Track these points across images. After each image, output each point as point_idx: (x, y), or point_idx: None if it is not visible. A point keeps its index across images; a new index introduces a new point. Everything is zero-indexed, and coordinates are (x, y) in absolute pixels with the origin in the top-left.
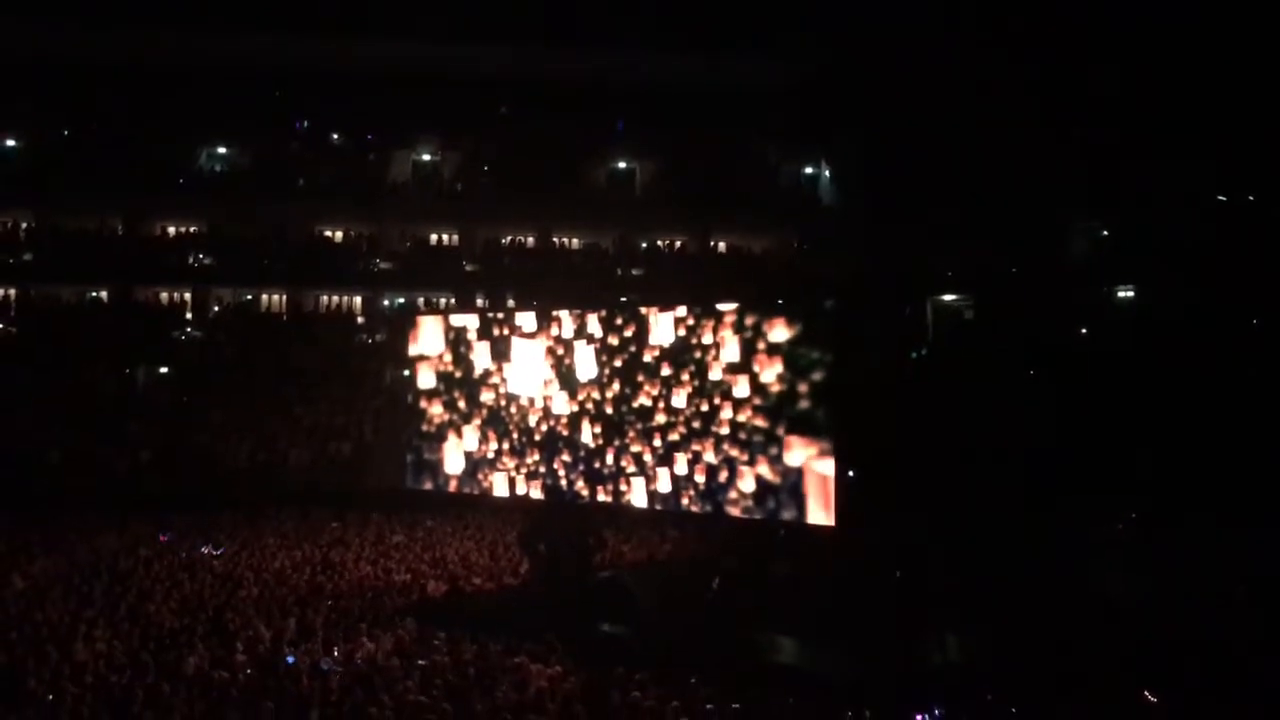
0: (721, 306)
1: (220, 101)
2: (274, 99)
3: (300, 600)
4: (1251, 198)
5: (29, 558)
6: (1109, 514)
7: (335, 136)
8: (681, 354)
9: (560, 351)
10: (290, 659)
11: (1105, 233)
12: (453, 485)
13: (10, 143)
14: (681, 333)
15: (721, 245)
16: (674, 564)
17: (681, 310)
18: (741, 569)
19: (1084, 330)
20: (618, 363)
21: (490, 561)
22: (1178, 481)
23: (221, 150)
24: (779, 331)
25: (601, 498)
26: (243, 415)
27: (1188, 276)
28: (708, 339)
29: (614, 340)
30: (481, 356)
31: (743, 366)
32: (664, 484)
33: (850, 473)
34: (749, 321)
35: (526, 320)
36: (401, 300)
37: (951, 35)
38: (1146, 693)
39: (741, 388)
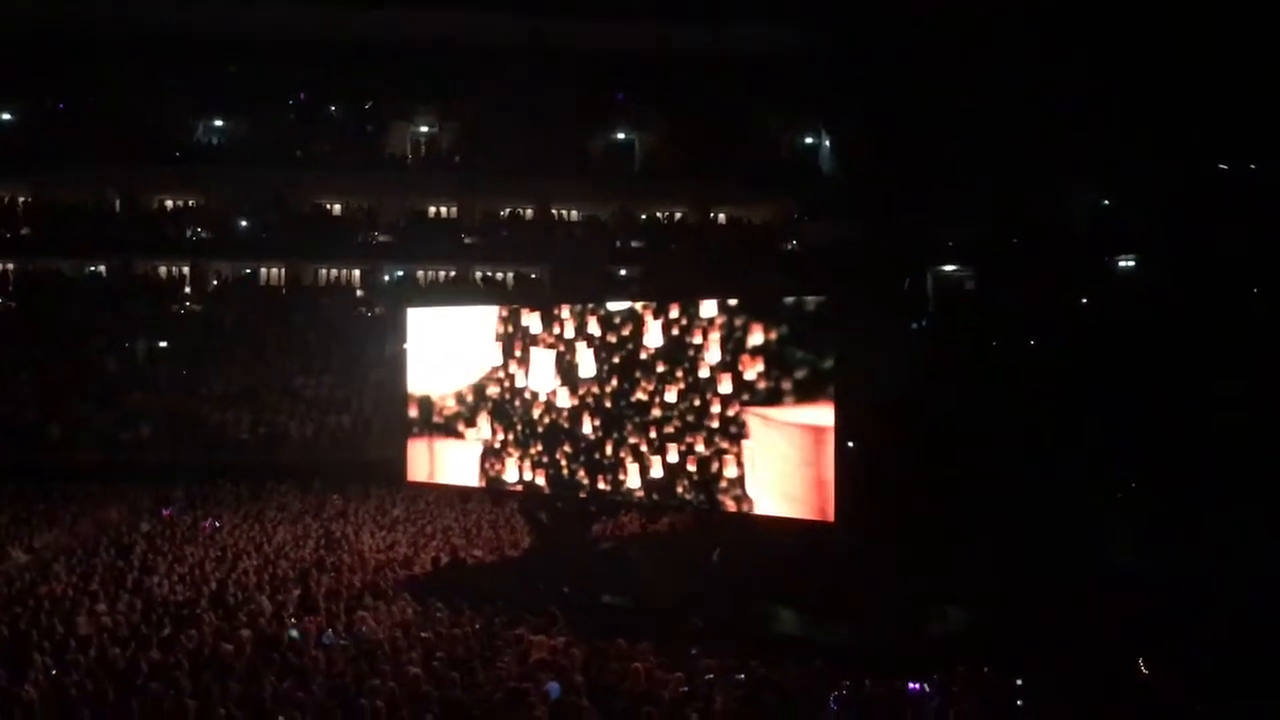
0: (705, 314)
1: (218, 74)
2: (272, 71)
3: (302, 573)
4: (1253, 166)
5: (31, 531)
6: (1110, 483)
7: (333, 108)
8: (674, 352)
9: (562, 349)
10: (293, 632)
11: (1106, 202)
12: (466, 478)
13: (6, 116)
14: (675, 332)
15: (721, 216)
16: (675, 535)
17: (674, 312)
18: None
19: (1085, 300)
20: (616, 359)
21: (491, 533)
22: (1179, 451)
23: (219, 123)
24: (757, 336)
25: (601, 486)
26: (243, 388)
27: (1189, 246)
28: (697, 339)
29: (612, 339)
30: (488, 351)
31: (727, 366)
32: (658, 470)
33: (850, 443)
34: (737, 322)
35: (533, 321)
36: (400, 273)
37: (952, 3)
38: (1140, 663)
39: (725, 385)
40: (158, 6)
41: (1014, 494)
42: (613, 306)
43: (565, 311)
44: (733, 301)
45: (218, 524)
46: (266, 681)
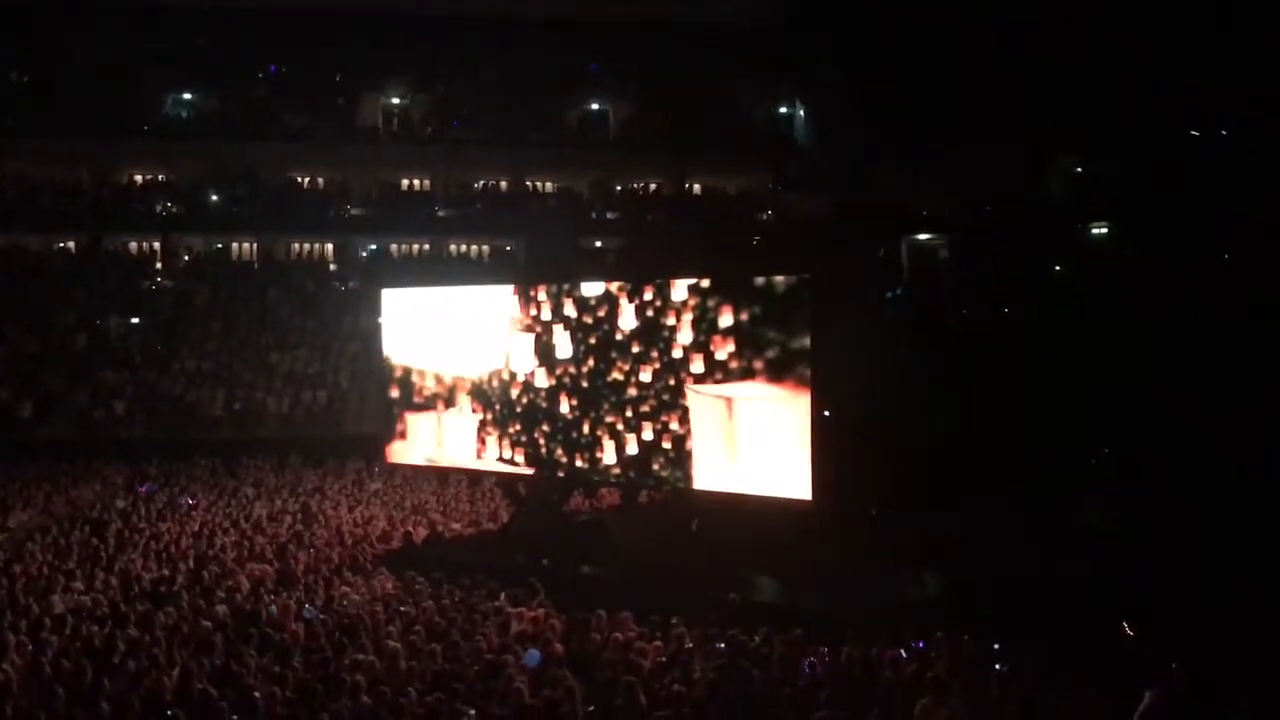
0: (677, 296)
1: (187, 47)
2: (241, 43)
3: (280, 549)
4: (1224, 132)
5: (5, 510)
6: (1086, 449)
7: (304, 81)
8: (648, 334)
9: (539, 331)
10: (271, 608)
11: (1079, 170)
12: (449, 458)
13: None
14: (649, 314)
15: (697, 187)
16: (653, 507)
17: (648, 294)
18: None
19: (1058, 268)
20: (592, 340)
21: (469, 507)
22: (1152, 417)
23: (188, 96)
24: (726, 317)
25: (579, 464)
26: (217, 364)
27: (1162, 214)
28: (670, 321)
29: (588, 320)
30: (466, 332)
31: (699, 346)
32: (633, 448)
33: (825, 412)
34: (709, 304)
35: (510, 303)
36: (374, 246)
37: None
38: (1125, 625)
39: (698, 364)
40: None
41: (991, 460)
42: (588, 290)
43: (542, 294)
44: (705, 283)
45: (192, 501)
46: (245, 657)
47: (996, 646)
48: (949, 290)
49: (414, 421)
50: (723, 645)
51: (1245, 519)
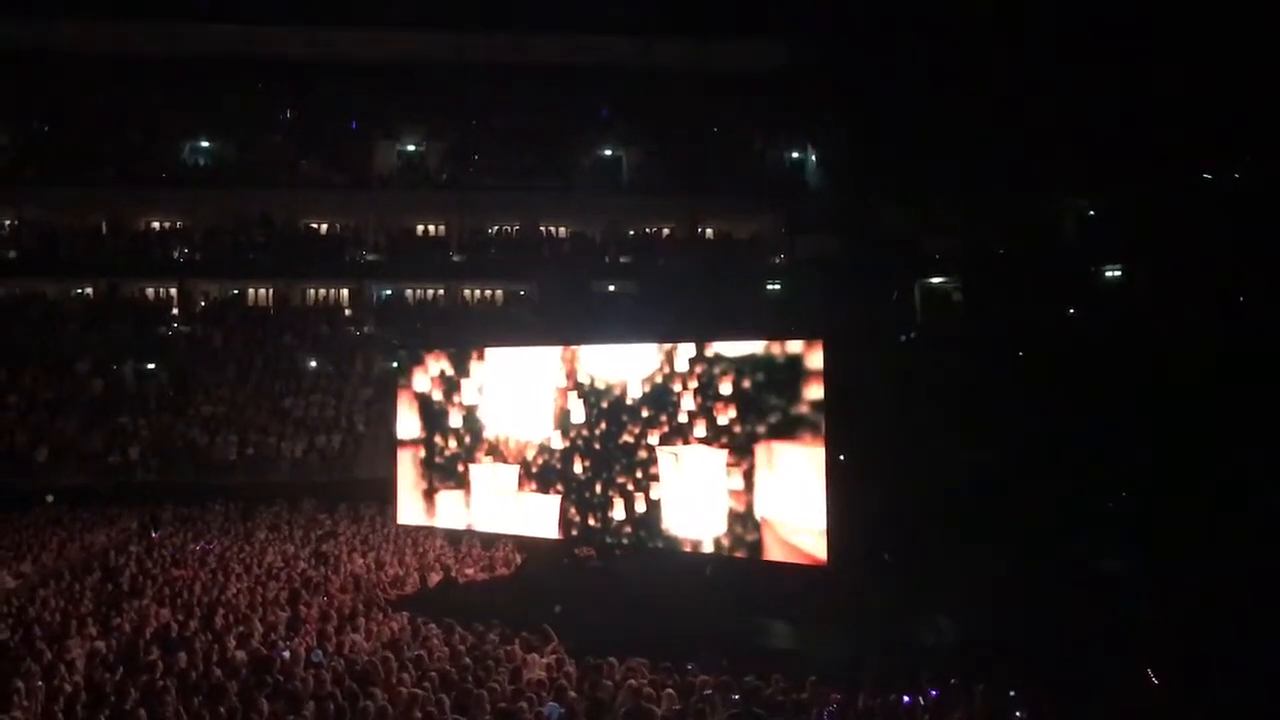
0: (680, 368)
1: (203, 94)
2: (257, 91)
3: (292, 594)
4: (1237, 175)
5: (20, 556)
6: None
7: (319, 129)
8: (657, 399)
9: (555, 396)
10: (284, 653)
11: (1092, 213)
12: (476, 522)
13: None
14: (658, 380)
15: (709, 231)
16: (666, 553)
17: (656, 361)
18: None
19: (1072, 310)
20: (604, 405)
21: (483, 551)
22: (1168, 460)
23: (205, 143)
24: (726, 386)
25: (591, 522)
26: (232, 409)
27: (1175, 255)
28: (677, 387)
29: (600, 386)
30: (490, 396)
31: (703, 412)
32: (641, 506)
33: (841, 456)
34: (716, 371)
35: (525, 366)
36: (388, 291)
37: (937, 15)
38: (1149, 672)
39: (699, 429)
40: (142, 28)
41: (1006, 505)
42: (598, 367)
43: (558, 359)
44: (709, 353)
45: (207, 546)
46: (258, 704)
47: (1013, 694)
48: (962, 333)
49: (445, 482)
50: (737, 695)
51: (1263, 562)
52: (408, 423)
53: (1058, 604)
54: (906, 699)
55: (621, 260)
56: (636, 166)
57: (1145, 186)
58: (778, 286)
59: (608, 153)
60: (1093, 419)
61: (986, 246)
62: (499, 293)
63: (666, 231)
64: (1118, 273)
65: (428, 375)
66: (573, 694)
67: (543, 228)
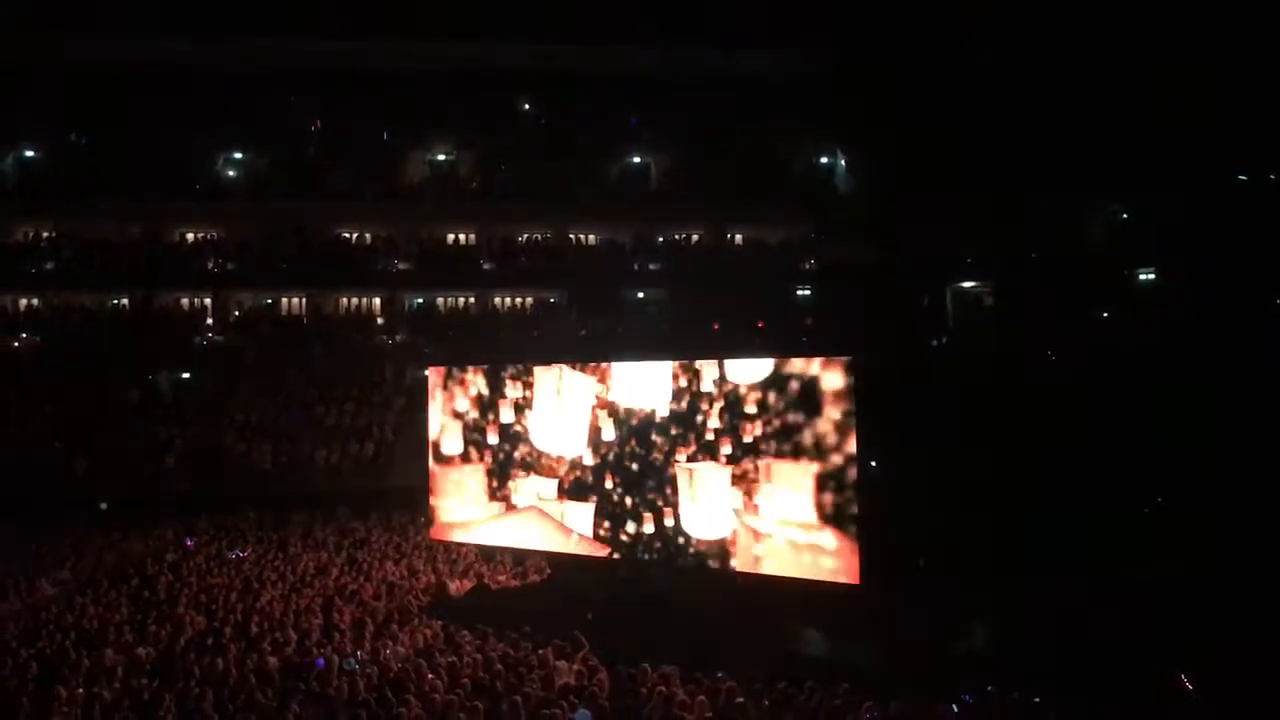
0: (705, 388)
1: (236, 106)
2: (289, 102)
3: (326, 601)
4: (1273, 177)
5: (58, 563)
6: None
7: (350, 139)
8: (685, 417)
9: (587, 415)
10: (319, 661)
11: (1125, 216)
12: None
13: (30, 153)
14: (685, 399)
15: (739, 237)
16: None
17: (683, 380)
18: None
19: (1105, 314)
20: (634, 422)
21: (514, 558)
22: (1204, 466)
23: (239, 155)
24: (751, 406)
25: (622, 537)
26: (266, 418)
27: (1208, 258)
28: (704, 406)
29: (630, 404)
30: (526, 413)
31: (730, 430)
32: (669, 521)
33: (873, 463)
34: (744, 391)
35: (554, 385)
36: (420, 300)
37: (967, 20)
38: (1183, 677)
39: (727, 447)
40: (176, 40)
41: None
42: (627, 385)
43: (590, 378)
44: (730, 378)
45: (242, 554)
46: (291, 711)
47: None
48: (994, 338)
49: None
50: (768, 702)
51: None
52: (442, 438)
53: (1094, 611)
54: (940, 707)
55: (651, 267)
56: (665, 173)
57: (1179, 189)
58: (807, 292)
59: (636, 160)
60: (1127, 425)
61: (1019, 250)
62: (529, 300)
63: (695, 238)
64: (1151, 276)
65: (463, 392)
66: (604, 701)
67: (572, 236)
